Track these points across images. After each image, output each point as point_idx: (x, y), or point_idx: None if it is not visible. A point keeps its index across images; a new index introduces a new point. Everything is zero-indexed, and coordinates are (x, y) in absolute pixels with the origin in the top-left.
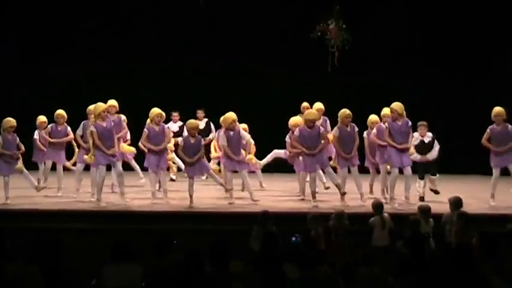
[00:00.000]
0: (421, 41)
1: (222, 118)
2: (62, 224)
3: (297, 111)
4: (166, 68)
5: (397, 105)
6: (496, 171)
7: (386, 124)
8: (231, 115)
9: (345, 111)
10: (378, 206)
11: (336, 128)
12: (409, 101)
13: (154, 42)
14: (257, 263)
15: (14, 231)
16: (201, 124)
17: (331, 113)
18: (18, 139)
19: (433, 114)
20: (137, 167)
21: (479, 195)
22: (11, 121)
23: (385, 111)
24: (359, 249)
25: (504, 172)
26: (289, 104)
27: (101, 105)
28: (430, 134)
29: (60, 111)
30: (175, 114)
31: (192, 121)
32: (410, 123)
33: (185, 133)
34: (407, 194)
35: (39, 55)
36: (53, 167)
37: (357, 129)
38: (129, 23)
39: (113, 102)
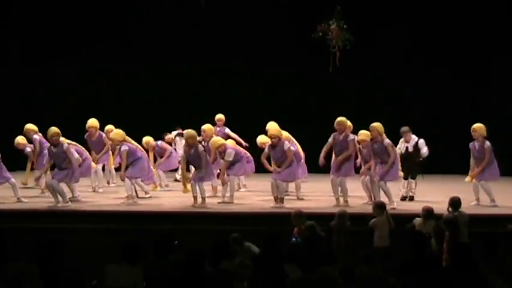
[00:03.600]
0: (423, 41)
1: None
2: (63, 224)
3: (298, 111)
4: (168, 68)
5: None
6: None
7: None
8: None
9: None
10: (379, 207)
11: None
12: (410, 101)
13: (156, 43)
14: (259, 263)
15: (14, 232)
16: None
17: (332, 114)
18: None
19: (434, 114)
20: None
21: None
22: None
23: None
24: (360, 250)
25: (504, 173)
26: (291, 104)
27: (50, 129)
28: (414, 137)
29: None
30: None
31: (190, 131)
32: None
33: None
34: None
35: (40, 58)
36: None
37: (352, 137)
38: (130, 25)
39: (91, 122)
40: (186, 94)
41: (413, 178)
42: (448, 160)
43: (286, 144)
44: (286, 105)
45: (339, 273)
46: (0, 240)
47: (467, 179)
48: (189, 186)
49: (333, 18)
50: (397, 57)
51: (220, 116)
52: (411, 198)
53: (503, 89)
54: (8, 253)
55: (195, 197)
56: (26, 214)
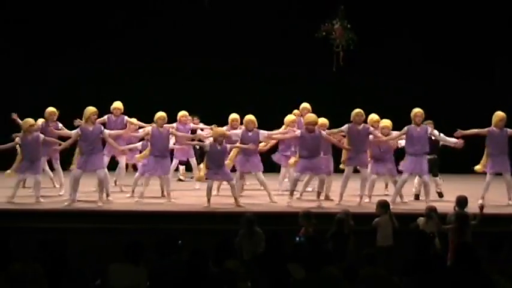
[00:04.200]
0: (426, 41)
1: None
2: (66, 224)
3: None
4: (169, 68)
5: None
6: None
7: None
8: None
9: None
10: (382, 206)
11: (346, 126)
12: (412, 101)
13: (157, 42)
14: (262, 263)
15: (18, 231)
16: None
17: (336, 113)
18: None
19: (437, 113)
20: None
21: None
22: (29, 121)
23: (385, 123)
24: (363, 249)
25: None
26: (294, 104)
27: (90, 109)
28: (436, 133)
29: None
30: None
31: (218, 129)
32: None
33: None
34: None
35: (42, 55)
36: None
37: (371, 129)
38: (133, 23)
39: (117, 104)
40: (185, 94)
41: (435, 176)
42: (448, 160)
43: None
44: (288, 105)
45: (343, 273)
46: (3, 239)
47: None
48: (202, 172)
49: (337, 17)
50: (400, 57)
51: (234, 116)
52: (441, 195)
53: (506, 89)
54: (11, 253)
55: (209, 199)
56: (29, 214)
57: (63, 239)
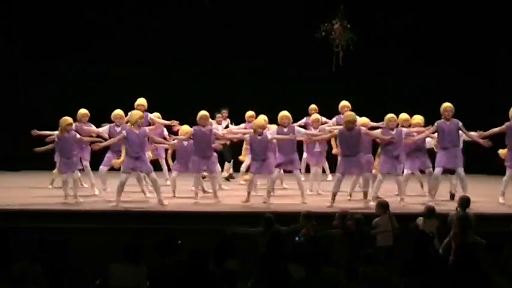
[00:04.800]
0: (426, 40)
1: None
2: (66, 224)
3: (300, 111)
4: (171, 68)
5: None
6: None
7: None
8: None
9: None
10: (382, 206)
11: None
12: (413, 101)
13: (158, 42)
14: (262, 263)
15: (18, 231)
16: (223, 124)
17: (334, 114)
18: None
19: (437, 113)
20: (165, 167)
21: (487, 194)
22: (67, 120)
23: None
24: (363, 249)
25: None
26: (293, 104)
27: (137, 113)
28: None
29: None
30: (219, 115)
31: (258, 120)
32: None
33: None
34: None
35: (44, 54)
36: None
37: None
38: (134, 24)
39: (141, 101)
40: (185, 94)
41: (452, 174)
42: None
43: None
44: (288, 105)
45: (343, 273)
46: (3, 240)
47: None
48: (247, 176)
49: (336, 17)
50: (400, 57)
51: (251, 113)
52: (453, 197)
53: (507, 86)
54: (11, 253)
55: (249, 193)
56: (29, 214)
57: (63, 239)
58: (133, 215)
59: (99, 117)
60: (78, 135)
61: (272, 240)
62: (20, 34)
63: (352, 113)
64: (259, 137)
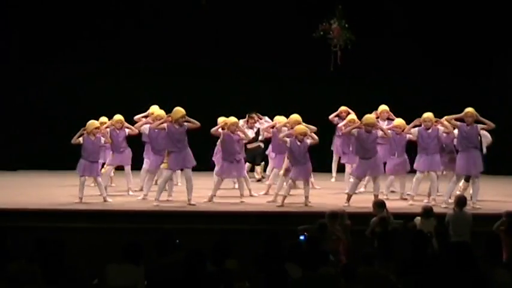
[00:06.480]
0: (424, 39)
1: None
2: (64, 224)
3: (300, 111)
4: (168, 68)
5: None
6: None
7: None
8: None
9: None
10: (379, 206)
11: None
12: (411, 100)
13: (157, 42)
14: (260, 262)
15: (15, 231)
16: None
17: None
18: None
19: (437, 113)
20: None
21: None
22: (94, 123)
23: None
24: (361, 249)
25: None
26: (292, 104)
27: (179, 110)
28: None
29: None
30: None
31: (299, 126)
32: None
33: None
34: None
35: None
36: None
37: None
38: (132, 23)
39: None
40: (184, 94)
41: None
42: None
43: None
44: (286, 105)
45: (340, 273)
46: (1, 239)
47: None
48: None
49: (334, 17)
50: (398, 56)
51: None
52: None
53: (503, 87)
54: (9, 252)
55: (284, 196)
56: (27, 213)
57: (60, 239)
58: (131, 214)
59: (98, 117)
60: (102, 140)
61: (270, 240)
62: (16, 34)
63: (373, 116)
64: (299, 143)
